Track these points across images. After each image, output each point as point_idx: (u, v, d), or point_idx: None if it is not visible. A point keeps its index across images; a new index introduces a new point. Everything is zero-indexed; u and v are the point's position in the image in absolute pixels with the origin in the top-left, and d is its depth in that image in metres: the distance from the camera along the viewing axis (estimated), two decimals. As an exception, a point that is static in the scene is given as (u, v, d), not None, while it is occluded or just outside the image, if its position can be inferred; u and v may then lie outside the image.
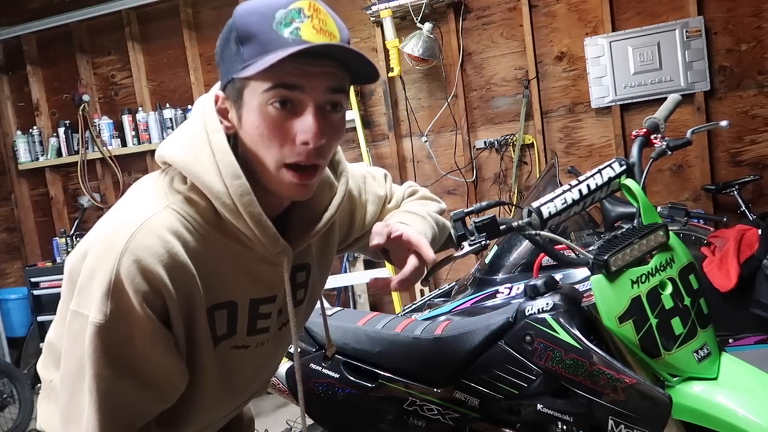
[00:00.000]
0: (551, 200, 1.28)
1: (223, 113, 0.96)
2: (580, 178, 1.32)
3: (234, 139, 0.96)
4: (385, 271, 3.74)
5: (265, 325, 1.08)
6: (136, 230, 0.89)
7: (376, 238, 1.06)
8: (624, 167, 1.32)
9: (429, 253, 1.07)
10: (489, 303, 2.15)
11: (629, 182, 1.31)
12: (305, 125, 0.90)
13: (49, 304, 4.18)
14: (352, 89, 3.93)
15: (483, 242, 1.24)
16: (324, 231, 1.11)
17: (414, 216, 1.20)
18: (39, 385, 4.27)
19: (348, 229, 1.24)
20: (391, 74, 3.84)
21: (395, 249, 1.11)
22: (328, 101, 0.92)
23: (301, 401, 1.13)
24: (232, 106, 0.94)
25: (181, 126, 1.01)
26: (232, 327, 1.02)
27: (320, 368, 1.53)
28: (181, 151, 0.95)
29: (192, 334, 0.97)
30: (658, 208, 1.85)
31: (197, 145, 0.94)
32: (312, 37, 0.88)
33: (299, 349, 1.59)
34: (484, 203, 1.34)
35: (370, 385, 1.48)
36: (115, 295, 0.87)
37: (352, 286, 4.11)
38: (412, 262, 1.07)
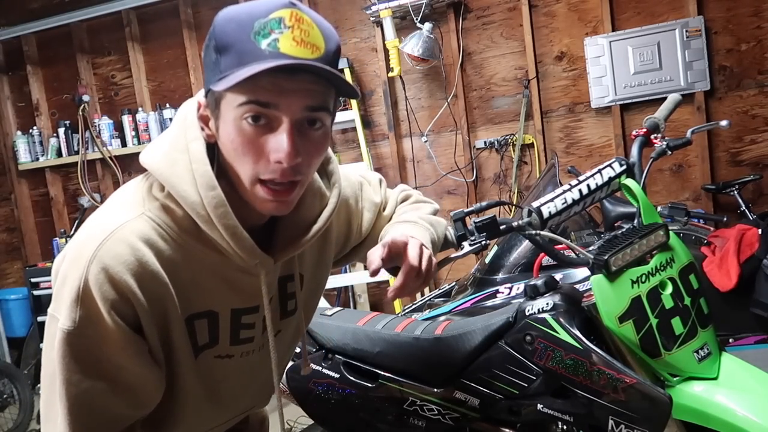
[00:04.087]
0: (551, 200, 1.28)
1: (204, 120, 0.93)
2: (580, 178, 1.32)
3: (216, 148, 0.93)
4: (385, 271, 3.73)
5: (249, 335, 1.05)
6: (106, 238, 0.87)
7: (373, 266, 1.04)
8: (624, 167, 1.32)
9: (413, 249, 1.06)
10: (489, 303, 2.15)
11: (629, 182, 1.31)
12: (278, 144, 0.86)
13: (49, 304, 4.16)
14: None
15: (483, 242, 1.24)
16: (319, 241, 1.09)
17: (406, 225, 1.18)
18: (39, 385, 4.27)
19: (345, 238, 1.23)
20: (391, 74, 3.84)
21: (396, 261, 1.10)
22: (306, 118, 0.88)
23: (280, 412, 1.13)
24: (212, 115, 0.92)
25: (164, 132, 0.98)
26: (213, 337, 1.00)
27: (320, 368, 1.53)
28: (160, 158, 0.93)
29: (168, 343, 0.95)
30: (658, 208, 1.85)
31: (175, 152, 0.92)
32: (291, 50, 0.84)
33: (299, 350, 1.60)
34: (484, 203, 1.34)
35: (370, 385, 1.48)
36: (84, 302, 0.86)
37: (352, 286, 4.11)
38: (404, 268, 1.06)
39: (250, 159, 0.88)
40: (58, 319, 0.88)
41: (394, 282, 1.06)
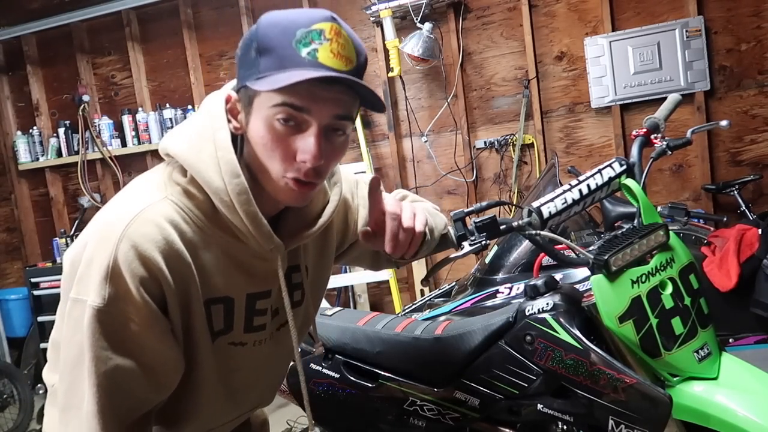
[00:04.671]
0: (551, 200, 1.28)
1: (233, 113, 0.99)
2: (581, 178, 1.32)
3: (241, 139, 0.98)
4: (385, 271, 3.74)
5: (262, 322, 1.09)
6: (133, 218, 0.91)
7: (366, 228, 1.07)
8: (624, 167, 1.32)
9: (394, 204, 1.06)
10: (489, 303, 2.16)
11: (629, 182, 1.30)
12: (306, 145, 0.92)
13: (49, 304, 4.18)
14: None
15: (483, 242, 1.24)
16: (320, 235, 1.13)
17: (402, 203, 1.20)
18: (39, 385, 4.28)
19: (343, 234, 1.26)
20: (391, 74, 3.84)
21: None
22: (332, 125, 0.95)
23: (307, 404, 1.13)
24: (243, 109, 0.97)
25: (186, 120, 1.04)
26: (228, 323, 1.04)
27: (320, 368, 1.53)
28: (185, 145, 0.97)
29: (189, 325, 0.98)
30: (658, 208, 1.85)
31: (201, 141, 0.97)
32: (328, 61, 0.90)
33: (300, 349, 1.60)
34: (484, 203, 1.34)
35: (370, 385, 1.48)
36: (113, 279, 0.89)
37: (352, 286, 4.11)
38: (386, 218, 1.06)
39: (277, 156, 0.94)
40: (85, 300, 0.90)
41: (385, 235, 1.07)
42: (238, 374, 1.09)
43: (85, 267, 0.91)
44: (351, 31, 0.95)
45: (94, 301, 0.89)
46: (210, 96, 1.03)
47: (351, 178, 1.27)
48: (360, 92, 0.95)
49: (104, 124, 4.44)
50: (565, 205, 1.28)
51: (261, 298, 1.07)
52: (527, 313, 1.30)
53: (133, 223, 0.91)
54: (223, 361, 1.05)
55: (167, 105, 4.36)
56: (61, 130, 4.52)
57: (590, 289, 1.25)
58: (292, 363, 1.58)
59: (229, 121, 0.98)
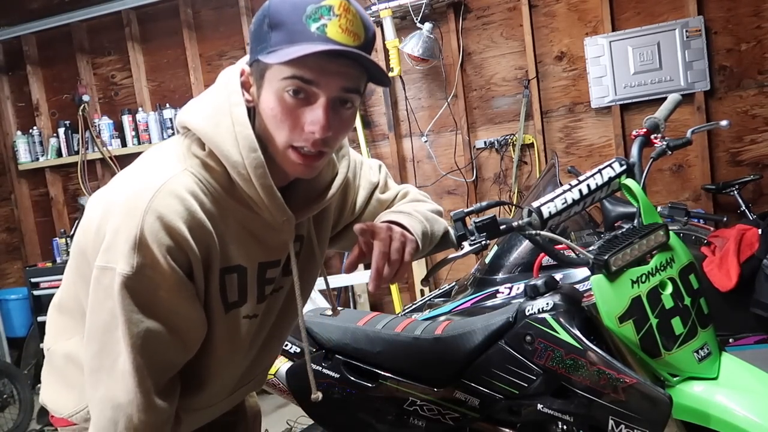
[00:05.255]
0: (551, 200, 1.28)
1: (246, 86, 1.02)
2: (581, 178, 1.32)
3: (253, 112, 1.01)
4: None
5: (269, 290, 1.13)
6: (158, 191, 0.95)
7: (348, 259, 1.10)
8: (624, 167, 1.32)
9: (382, 232, 1.08)
10: (489, 303, 2.16)
11: (629, 182, 1.31)
12: (315, 117, 0.95)
13: (50, 304, 4.17)
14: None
15: (483, 242, 1.24)
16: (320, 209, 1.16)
17: (395, 214, 1.21)
18: (39, 385, 4.27)
19: (340, 210, 1.28)
20: (391, 74, 3.84)
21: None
22: (340, 98, 0.98)
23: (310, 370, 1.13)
24: (255, 83, 1.00)
25: (203, 95, 1.07)
26: (243, 293, 1.07)
27: (320, 368, 1.53)
28: (203, 120, 1.01)
29: (207, 291, 1.02)
30: (658, 208, 1.85)
31: (218, 115, 1.00)
32: (337, 36, 0.93)
33: (299, 350, 1.60)
34: (484, 203, 1.34)
35: (370, 385, 1.48)
36: (140, 249, 0.92)
37: (352, 286, 4.11)
38: (374, 252, 1.07)
39: (286, 126, 0.97)
40: (114, 268, 0.93)
41: (371, 271, 1.08)
42: (242, 346, 1.13)
43: (112, 236, 0.94)
44: (359, 8, 0.97)
45: (123, 269, 0.92)
46: (226, 70, 1.06)
47: (356, 157, 1.29)
48: (367, 66, 0.98)
49: (104, 124, 4.44)
50: (565, 205, 1.28)
51: (271, 267, 1.11)
52: (527, 313, 1.30)
53: (157, 196, 0.94)
54: (234, 332, 1.09)
55: (167, 105, 4.36)
56: (61, 130, 4.52)
57: (590, 289, 1.25)
58: (291, 363, 1.59)
59: (242, 94, 1.01)
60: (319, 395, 1.22)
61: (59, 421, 1.16)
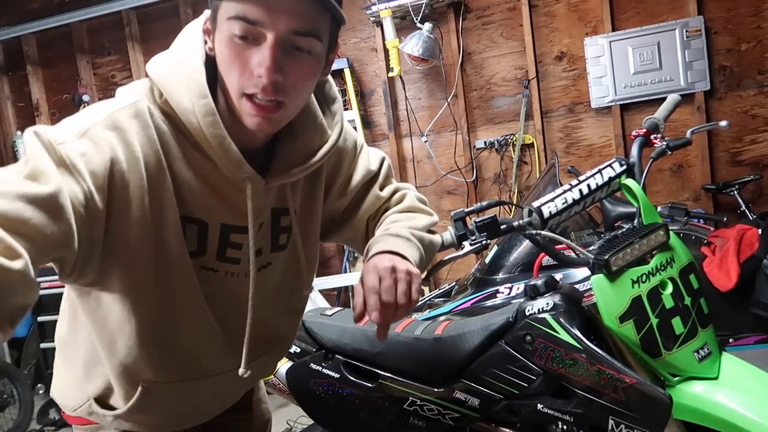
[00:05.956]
0: (552, 200, 1.29)
1: (207, 33, 0.96)
2: (581, 178, 1.32)
3: (215, 62, 0.95)
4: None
5: (236, 255, 1.04)
6: (124, 107, 0.91)
7: (356, 311, 1.02)
8: (624, 167, 1.32)
9: (386, 281, 1.00)
10: (489, 303, 2.16)
11: (629, 182, 1.31)
12: (261, 59, 0.88)
13: (49, 304, 4.16)
14: (352, 90, 3.95)
15: (483, 242, 1.24)
16: (310, 180, 1.09)
17: (398, 239, 1.12)
18: (39, 385, 4.27)
19: (327, 189, 1.19)
20: (391, 74, 3.84)
21: None
22: (292, 42, 0.89)
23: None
24: (211, 26, 0.94)
25: (172, 45, 1.01)
26: (202, 246, 1.00)
27: (320, 368, 1.53)
28: (162, 66, 0.96)
29: (162, 239, 0.94)
30: (658, 208, 1.85)
31: (177, 62, 0.95)
32: None
33: (299, 350, 1.60)
34: (484, 203, 1.34)
35: (370, 385, 1.48)
36: (84, 136, 0.86)
37: (352, 286, 4.10)
38: (380, 307, 1.01)
39: (236, 72, 0.90)
40: (46, 131, 0.83)
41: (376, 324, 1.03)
42: (218, 303, 1.04)
43: (60, 123, 0.89)
44: None
45: (54, 135, 0.83)
46: (193, 21, 1.01)
47: (358, 138, 1.22)
48: (325, 4, 0.89)
49: (104, 124, 4.43)
50: (566, 205, 1.28)
51: (236, 232, 1.02)
52: (527, 313, 1.30)
53: (123, 110, 0.90)
54: (202, 282, 1.01)
55: (167, 105, 4.36)
56: (61, 130, 4.51)
57: (590, 289, 1.25)
58: (291, 363, 1.59)
59: (205, 42, 0.96)
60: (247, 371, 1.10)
61: (72, 419, 1.15)
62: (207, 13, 0.96)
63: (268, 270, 1.09)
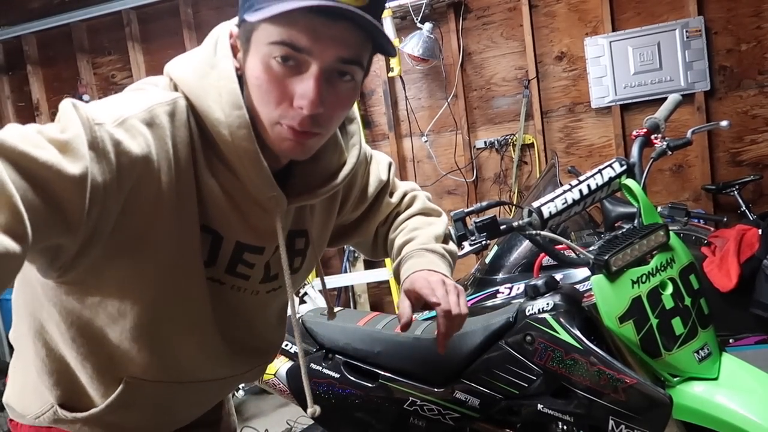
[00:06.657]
0: (552, 200, 1.28)
1: (234, 51, 0.90)
2: (581, 178, 1.32)
3: (241, 80, 0.89)
4: (385, 271, 3.74)
5: (246, 273, 1.01)
6: (162, 102, 0.85)
7: (404, 319, 1.05)
8: (624, 167, 1.32)
9: (441, 293, 1.05)
10: (489, 303, 2.16)
11: (629, 182, 1.31)
12: (304, 90, 0.82)
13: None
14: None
15: (483, 242, 1.24)
16: (327, 200, 1.08)
17: (433, 257, 1.15)
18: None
19: (342, 204, 1.17)
20: (391, 74, 3.84)
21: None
22: (337, 69, 0.84)
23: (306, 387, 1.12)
24: (241, 47, 0.88)
25: (194, 50, 0.96)
26: (212, 257, 0.96)
27: (320, 368, 1.53)
28: (188, 69, 0.90)
29: (179, 237, 0.88)
30: (659, 208, 1.85)
31: (205, 66, 0.89)
32: None
33: (296, 349, 1.60)
34: (484, 203, 1.34)
35: (370, 385, 1.48)
36: (124, 123, 0.79)
37: (352, 286, 4.10)
38: (440, 318, 1.06)
39: (272, 99, 0.85)
40: (80, 105, 0.77)
41: (438, 335, 1.07)
42: (218, 313, 1.00)
43: (97, 104, 0.82)
44: None
45: (93, 113, 0.77)
46: (217, 27, 0.94)
47: (367, 149, 1.20)
48: (371, 33, 0.83)
49: (104, 123, 4.43)
50: (566, 205, 1.28)
51: (251, 252, 0.99)
52: (527, 313, 1.30)
53: (162, 105, 0.84)
54: (196, 289, 0.96)
55: (167, 105, 4.36)
56: (61, 130, 4.51)
57: (590, 289, 1.25)
58: (291, 363, 1.59)
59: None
60: (317, 409, 1.13)
61: (26, 430, 1.04)
62: (233, 27, 0.91)
63: (278, 291, 1.08)
